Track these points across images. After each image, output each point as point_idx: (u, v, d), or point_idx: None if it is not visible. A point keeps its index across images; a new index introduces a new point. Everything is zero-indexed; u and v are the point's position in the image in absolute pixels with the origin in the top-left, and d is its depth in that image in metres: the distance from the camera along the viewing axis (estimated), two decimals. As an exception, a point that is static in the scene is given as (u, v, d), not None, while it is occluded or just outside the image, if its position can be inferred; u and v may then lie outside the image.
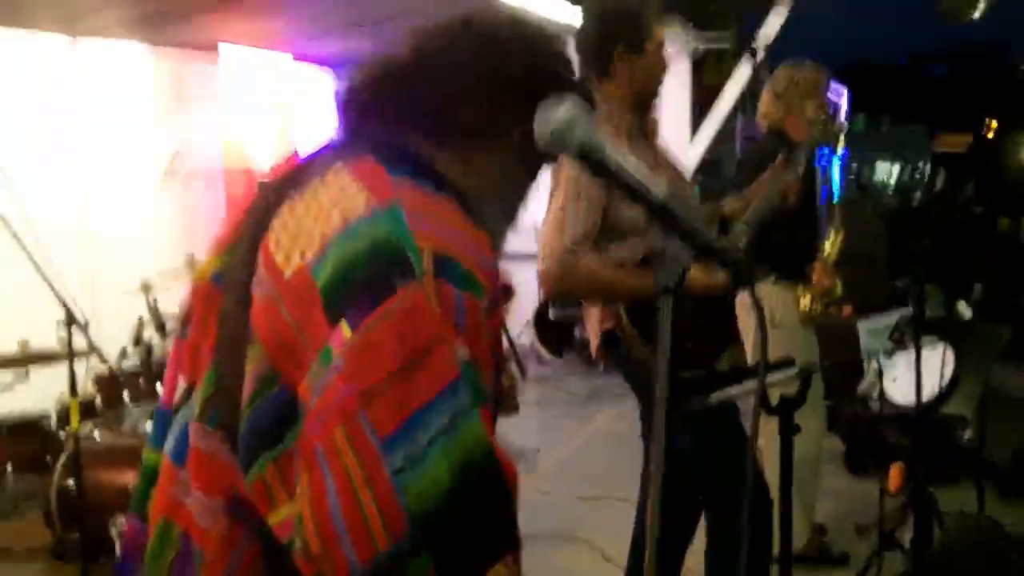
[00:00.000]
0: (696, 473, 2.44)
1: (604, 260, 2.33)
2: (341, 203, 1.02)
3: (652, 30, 2.42)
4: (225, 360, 1.05)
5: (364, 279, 0.95)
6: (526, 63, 1.15)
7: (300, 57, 6.53)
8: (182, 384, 1.12)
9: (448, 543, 0.90)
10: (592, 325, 2.51)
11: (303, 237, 1.01)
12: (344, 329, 0.93)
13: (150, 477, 1.17)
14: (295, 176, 1.11)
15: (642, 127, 2.50)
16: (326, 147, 1.16)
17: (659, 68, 2.45)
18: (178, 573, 1.06)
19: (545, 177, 1.40)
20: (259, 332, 1.00)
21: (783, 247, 3.25)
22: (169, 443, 1.13)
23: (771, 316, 3.28)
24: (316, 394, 0.93)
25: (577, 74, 1.24)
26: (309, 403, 0.94)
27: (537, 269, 2.33)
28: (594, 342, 2.50)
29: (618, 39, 2.39)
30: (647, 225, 2.37)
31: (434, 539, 0.89)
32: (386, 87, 1.14)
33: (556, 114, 1.00)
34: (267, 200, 1.10)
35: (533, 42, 1.18)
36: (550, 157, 1.14)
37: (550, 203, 2.36)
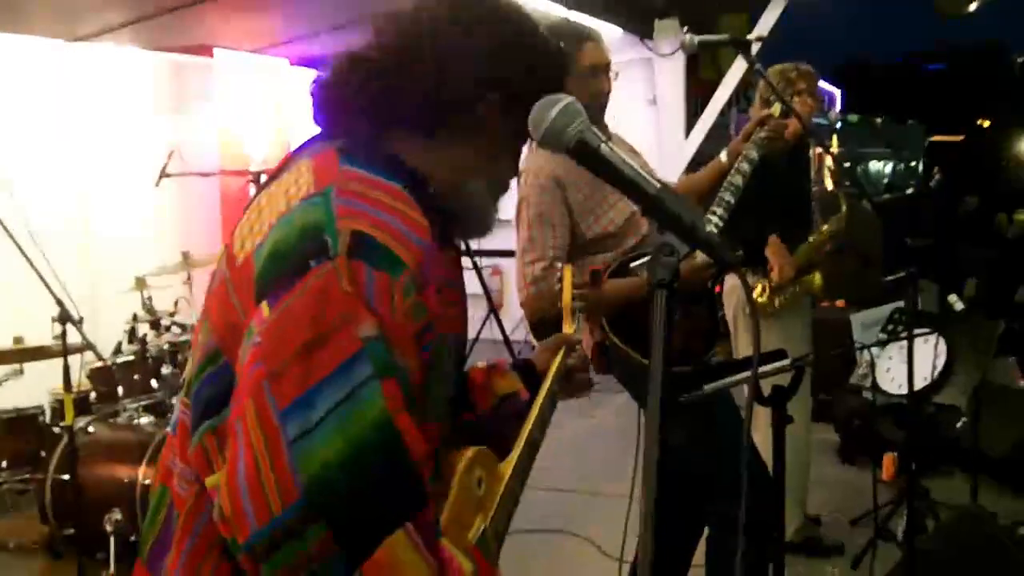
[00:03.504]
0: (695, 466, 2.45)
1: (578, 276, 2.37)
2: (290, 192, 1.08)
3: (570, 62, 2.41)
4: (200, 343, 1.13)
5: (285, 261, 1.01)
6: (492, 38, 1.17)
7: (296, 61, 6.54)
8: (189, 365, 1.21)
9: (343, 510, 0.93)
10: (584, 337, 2.54)
11: (257, 225, 1.08)
12: (264, 309, 0.99)
13: None
14: (278, 171, 1.17)
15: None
16: (308, 141, 1.20)
17: (587, 92, 2.37)
18: (164, 534, 1.13)
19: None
20: (209, 313, 1.09)
21: (755, 239, 3.27)
22: (172, 417, 1.22)
23: (748, 309, 3.32)
24: (240, 370, 1.00)
25: (551, 42, 1.25)
26: (238, 379, 1.01)
27: (518, 299, 2.37)
28: (588, 354, 2.53)
29: None
30: (618, 235, 2.40)
31: (328, 506, 0.92)
32: (353, 80, 1.16)
33: (551, 111, 1.00)
34: (256, 194, 1.17)
35: (499, 16, 1.20)
36: (527, 119, 1.11)
37: (517, 234, 2.38)
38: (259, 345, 0.97)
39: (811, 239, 3.47)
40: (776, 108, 2.71)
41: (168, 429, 1.21)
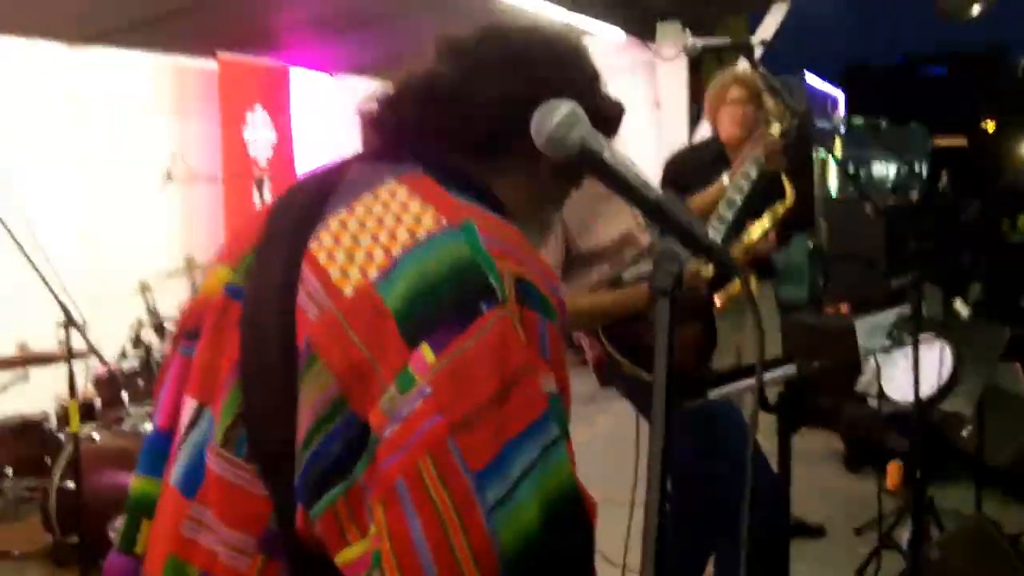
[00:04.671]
0: (700, 479, 2.44)
1: (574, 290, 2.37)
2: (405, 219, 0.96)
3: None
4: (258, 381, 0.97)
5: (447, 301, 0.90)
6: (557, 79, 1.10)
7: (297, 63, 6.54)
8: (191, 405, 1.04)
9: None
10: (586, 350, 2.54)
11: (361, 253, 0.95)
12: (426, 353, 0.87)
13: (141, 509, 1.09)
14: (330, 188, 1.05)
15: None
16: (356, 160, 1.12)
17: None
18: None
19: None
20: (323, 354, 0.93)
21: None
22: (176, 473, 1.04)
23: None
24: (395, 422, 0.86)
25: (599, 80, 1.20)
26: (384, 432, 0.87)
27: None
28: (592, 366, 2.52)
29: None
30: (613, 251, 2.40)
31: None
32: (427, 103, 1.08)
33: (554, 116, 0.99)
34: (299, 211, 1.04)
35: (561, 56, 1.15)
36: (582, 168, 1.07)
37: None
38: (431, 396, 0.85)
39: (751, 230, 3.42)
40: (775, 127, 2.71)
41: (174, 487, 1.03)
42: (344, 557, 0.90)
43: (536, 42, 1.14)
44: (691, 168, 2.83)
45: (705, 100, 3.46)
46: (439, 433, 0.84)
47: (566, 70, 1.13)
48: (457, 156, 1.08)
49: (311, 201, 1.05)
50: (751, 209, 3.41)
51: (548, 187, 1.16)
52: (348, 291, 0.94)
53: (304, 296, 0.97)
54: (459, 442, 0.84)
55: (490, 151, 1.10)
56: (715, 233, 2.52)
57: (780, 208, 3.33)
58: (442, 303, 0.90)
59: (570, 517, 0.87)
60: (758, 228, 3.33)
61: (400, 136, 1.10)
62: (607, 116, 1.15)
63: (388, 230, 0.96)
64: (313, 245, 0.99)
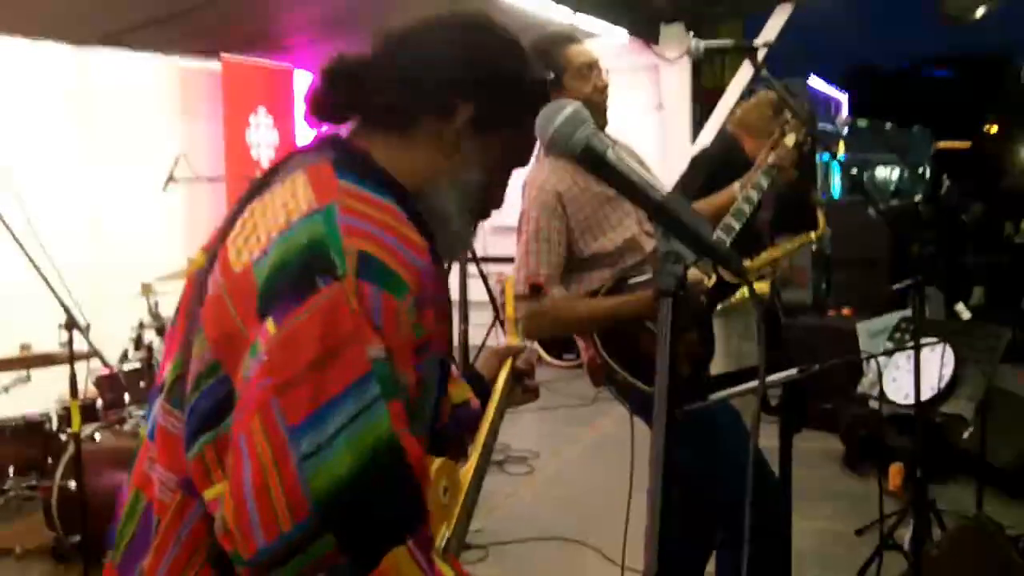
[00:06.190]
0: (700, 481, 2.43)
1: (573, 294, 2.38)
2: (289, 205, 1.08)
3: (564, 63, 2.41)
4: (184, 348, 1.13)
5: (291, 278, 1.02)
6: (472, 47, 1.21)
7: (301, 65, 6.56)
8: (167, 369, 1.20)
9: (349, 525, 0.96)
10: (582, 350, 2.53)
11: (254, 236, 1.09)
12: (270, 325, 1.00)
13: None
14: (266, 179, 1.18)
15: None
16: (298, 150, 1.22)
17: (585, 91, 2.41)
18: (140, 538, 1.15)
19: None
20: (205, 324, 1.09)
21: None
22: (148, 423, 1.21)
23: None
24: (245, 384, 1.01)
25: (535, 65, 1.28)
26: (240, 392, 1.02)
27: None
28: (585, 367, 2.52)
29: None
30: (616, 255, 2.40)
31: (335, 521, 0.95)
32: (338, 82, 1.20)
33: (559, 116, 1.00)
34: (240, 201, 1.17)
35: (483, 29, 1.24)
36: (502, 140, 1.20)
37: (517, 247, 2.39)
38: (266, 362, 0.98)
39: (778, 248, 3.40)
40: (790, 138, 2.69)
41: (146, 433, 1.21)
42: (209, 494, 1.05)
43: (440, 26, 1.23)
44: (720, 171, 2.80)
45: (751, 115, 3.47)
46: (266, 395, 0.97)
47: (475, 37, 1.22)
48: (367, 131, 1.21)
49: (250, 191, 1.18)
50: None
51: (460, 156, 1.22)
52: (237, 269, 1.08)
53: (211, 277, 1.12)
54: (281, 401, 0.96)
55: (399, 126, 1.20)
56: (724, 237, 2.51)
57: (807, 238, 3.26)
58: (288, 280, 1.02)
59: (383, 469, 0.98)
60: (780, 250, 3.29)
61: (322, 120, 1.22)
62: (520, 87, 1.23)
63: (276, 215, 1.08)
64: (231, 232, 1.13)
